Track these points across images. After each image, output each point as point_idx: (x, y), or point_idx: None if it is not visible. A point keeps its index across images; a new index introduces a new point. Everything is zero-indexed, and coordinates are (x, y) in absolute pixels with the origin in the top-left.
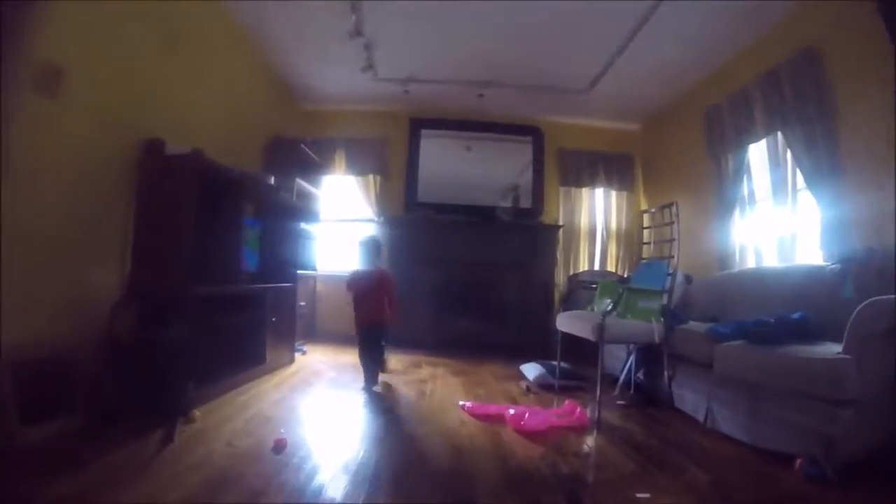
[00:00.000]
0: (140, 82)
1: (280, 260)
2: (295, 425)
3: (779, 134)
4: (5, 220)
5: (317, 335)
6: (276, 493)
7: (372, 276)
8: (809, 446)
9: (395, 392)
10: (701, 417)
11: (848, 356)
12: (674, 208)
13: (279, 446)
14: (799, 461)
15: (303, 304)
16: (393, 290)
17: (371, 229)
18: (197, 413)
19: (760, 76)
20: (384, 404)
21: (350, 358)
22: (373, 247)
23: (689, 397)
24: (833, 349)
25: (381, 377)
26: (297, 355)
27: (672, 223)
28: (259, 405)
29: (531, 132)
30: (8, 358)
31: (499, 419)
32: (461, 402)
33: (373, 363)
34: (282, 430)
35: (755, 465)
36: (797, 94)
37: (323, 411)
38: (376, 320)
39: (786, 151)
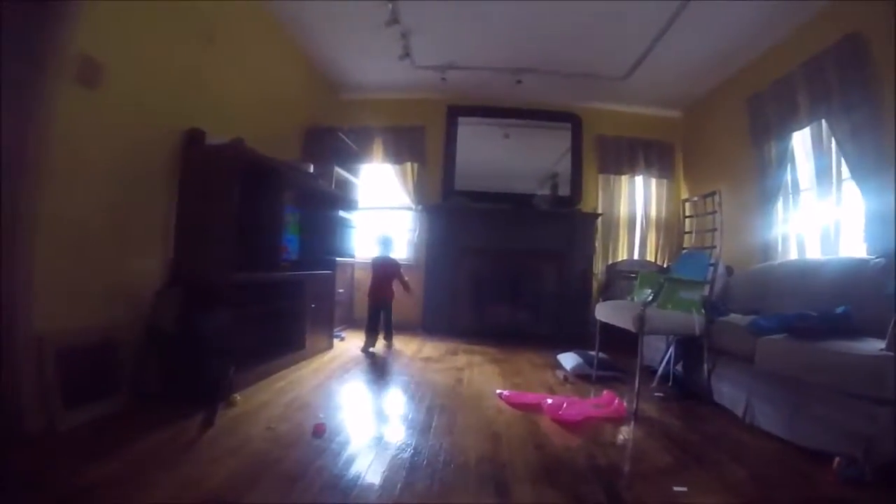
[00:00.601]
0: (180, 74)
1: (319, 247)
2: (334, 410)
3: (823, 122)
4: (52, 208)
5: (355, 322)
6: (315, 478)
7: (377, 264)
8: (848, 446)
9: (384, 355)
10: (740, 412)
11: (891, 353)
12: (716, 197)
13: (318, 431)
14: (837, 461)
15: (341, 290)
16: (398, 273)
17: (409, 217)
18: (237, 397)
19: (804, 63)
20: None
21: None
22: (383, 241)
23: (728, 392)
24: (876, 346)
25: (382, 345)
26: (336, 341)
27: (714, 212)
28: (298, 390)
29: (570, 119)
30: (52, 343)
31: (536, 408)
32: (498, 391)
33: (371, 331)
34: (321, 416)
35: (793, 463)
36: (842, 81)
37: (361, 397)
38: (381, 298)
39: (830, 140)
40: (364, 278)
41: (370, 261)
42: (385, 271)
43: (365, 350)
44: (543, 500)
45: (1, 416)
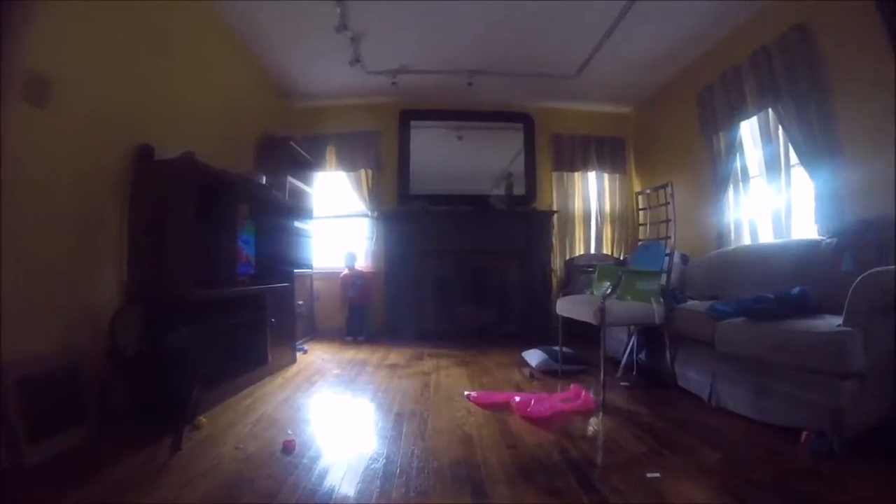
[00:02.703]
0: (129, 86)
1: (276, 259)
2: (302, 425)
3: (769, 111)
4: (5, 231)
5: (317, 333)
6: (290, 494)
7: (353, 275)
8: (816, 421)
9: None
10: (705, 396)
11: (849, 328)
12: (668, 189)
13: (288, 448)
14: (805, 435)
15: (301, 302)
16: (369, 283)
17: (365, 224)
18: (203, 419)
19: (751, 54)
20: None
21: (353, 354)
22: (350, 256)
23: (693, 376)
24: (833, 322)
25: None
26: (299, 354)
27: (667, 204)
28: (264, 407)
29: (522, 119)
30: (13, 374)
31: (505, 407)
32: (466, 392)
33: (351, 326)
34: (289, 432)
35: (763, 441)
36: (789, 71)
37: (329, 409)
38: (356, 304)
39: (777, 127)
40: (324, 288)
41: (341, 276)
42: (360, 280)
43: (348, 338)
44: (521, 498)
45: None
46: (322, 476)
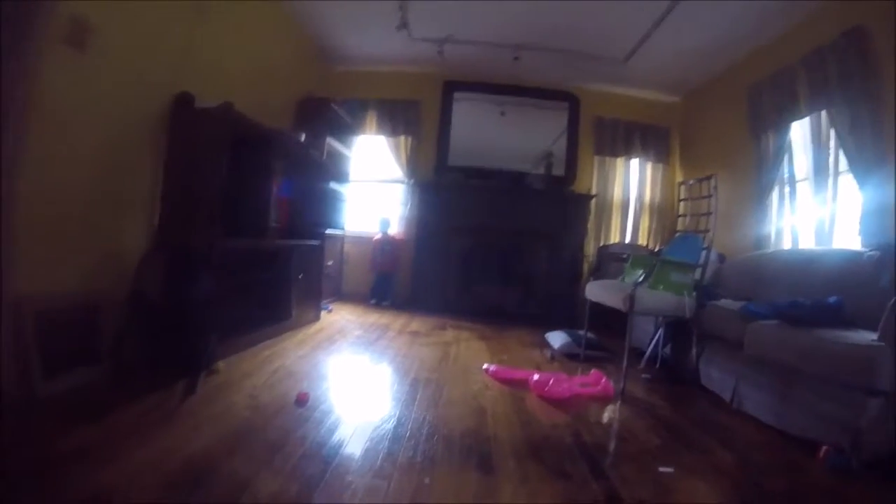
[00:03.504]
0: (171, 39)
1: (308, 218)
2: (318, 381)
3: (822, 113)
4: (36, 171)
5: (343, 295)
6: (297, 446)
7: (384, 241)
8: (836, 435)
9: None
10: (727, 397)
11: (883, 344)
12: (712, 181)
13: (301, 400)
14: (824, 450)
15: (330, 263)
16: (399, 249)
17: (401, 191)
18: (221, 365)
19: (806, 54)
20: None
21: (376, 319)
22: (384, 222)
23: (717, 376)
24: (868, 337)
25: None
26: (323, 313)
27: (710, 196)
28: (283, 360)
29: (567, 98)
30: (31, 305)
31: (522, 384)
32: (485, 366)
33: (376, 290)
34: (304, 385)
35: (781, 450)
36: (842, 74)
37: (346, 369)
38: (385, 270)
39: (829, 131)
40: (354, 252)
41: (373, 240)
42: (389, 247)
43: (372, 302)
44: (528, 475)
45: None
46: (331, 431)
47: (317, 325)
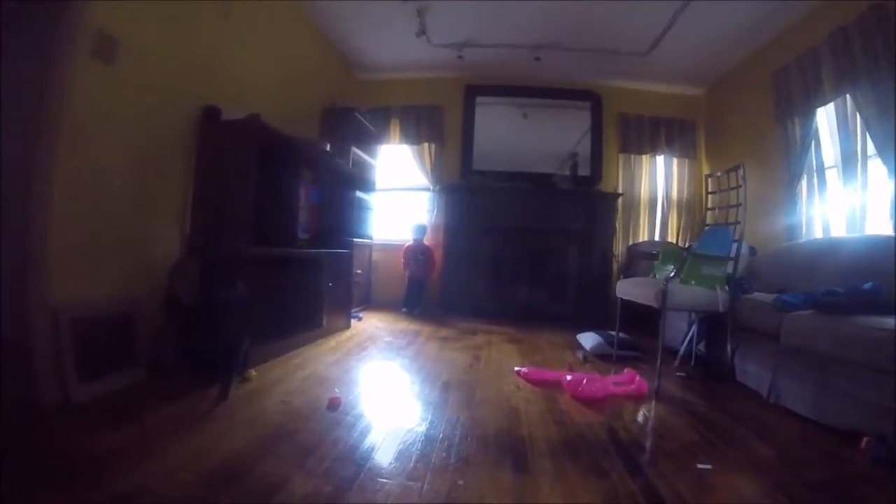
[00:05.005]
0: (196, 50)
1: (336, 227)
2: (350, 386)
3: (847, 98)
4: (70, 181)
5: (371, 303)
6: (329, 448)
7: (417, 248)
8: (878, 425)
9: (416, 317)
10: (764, 392)
11: None
12: (740, 171)
13: (334, 404)
14: (866, 441)
15: (359, 271)
16: (432, 258)
17: (426, 198)
18: (253, 372)
19: (829, 35)
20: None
21: (406, 325)
22: (419, 228)
23: (753, 370)
24: None
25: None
26: (353, 321)
27: (738, 187)
28: (314, 366)
29: (589, 97)
30: (67, 313)
31: (555, 385)
32: (517, 368)
33: (409, 298)
34: (336, 390)
35: (821, 442)
36: (867, 52)
37: (377, 373)
38: (417, 277)
39: (855, 116)
40: (382, 260)
41: (404, 248)
42: (422, 255)
43: (405, 311)
44: (564, 473)
45: (17, 386)
46: (364, 434)
47: (347, 333)
